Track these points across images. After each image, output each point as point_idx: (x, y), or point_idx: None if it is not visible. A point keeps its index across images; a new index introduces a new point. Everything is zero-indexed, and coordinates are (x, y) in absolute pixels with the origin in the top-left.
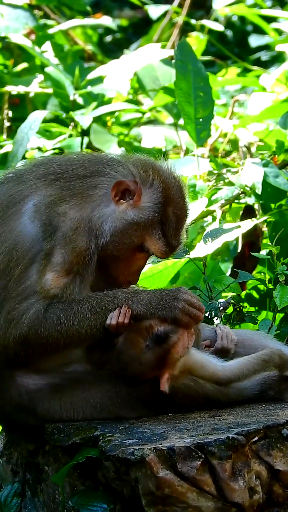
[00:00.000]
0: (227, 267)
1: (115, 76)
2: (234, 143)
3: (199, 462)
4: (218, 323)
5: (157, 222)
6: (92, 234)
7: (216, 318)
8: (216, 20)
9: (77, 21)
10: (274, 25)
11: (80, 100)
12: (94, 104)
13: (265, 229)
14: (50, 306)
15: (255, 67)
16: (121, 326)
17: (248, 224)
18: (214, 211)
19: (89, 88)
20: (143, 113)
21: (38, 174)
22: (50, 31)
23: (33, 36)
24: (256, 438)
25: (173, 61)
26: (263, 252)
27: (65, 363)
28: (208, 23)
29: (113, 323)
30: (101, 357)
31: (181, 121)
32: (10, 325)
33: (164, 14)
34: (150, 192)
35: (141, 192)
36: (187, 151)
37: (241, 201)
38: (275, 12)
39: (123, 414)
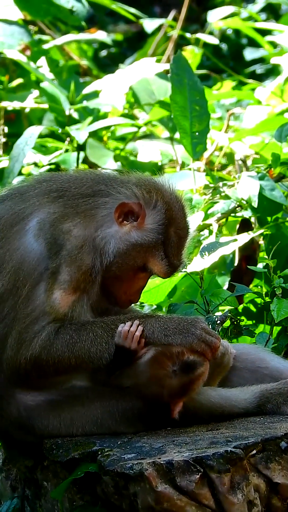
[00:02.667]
0: (224, 281)
1: (110, 90)
2: (230, 156)
3: (198, 476)
4: None
5: (160, 243)
6: (96, 253)
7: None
8: (211, 33)
9: (72, 36)
10: (268, 38)
11: (75, 115)
12: (90, 119)
13: (261, 242)
14: (62, 327)
15: (250, 80)
16: (131, 337)
17: (244, 238)
18: (211, 224)
19: (85, 103)
20: (139, 127)
21: (41, 191)
22: (45, 46)
23: (28, 52)
24: (254, 452)
25: (169, 75)
26: (260, 266)
27: (64, 380)
28: (203, 37)
29: (125, 329)
30: (109, 374)
31: (177, 135)
32: (21, 346)
33: (158, 28)
34: (153, 214)
35: (145, 214)
36: (183, 165)
37: (238, 214)
38: (270, 25)
39: (122, 429)
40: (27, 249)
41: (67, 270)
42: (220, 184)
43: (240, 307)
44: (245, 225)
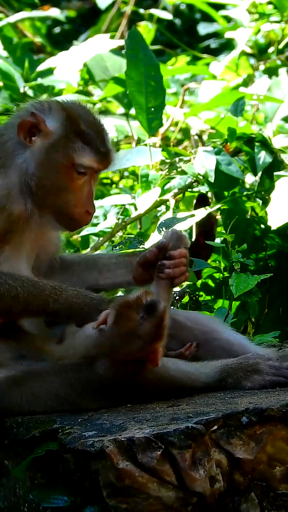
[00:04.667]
0: None
1: (64, 67)
2: (185, 131)
3: (159, 453)
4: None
5: (72, 136)
6: (24, 191)
7: (172, 307)
8: (164, 9)
9: (25, 13)
10: (222, 12)
11: (30, 93)
12: (45, 96)
13: (219, 217)
14: None
15: (204, 55)
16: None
17: (201, 213)
18: (168, 200)
19: (39, 80)
20: (94, 104)
21: None
22: None
23: None
24: (215, 427)
25: (123, 51)
26: (218, 240)
27: (20, 355)
28: (157, 12)
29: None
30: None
31: (132, 111)
32: None
33: (112, 4)
34: (52, 115)
35: (43, 119)
36: (138, 141)
37: (194, 189)
38: None
39: (85, 404)
40: None
41: None
42: (177, 159)
43: (199, 282)
44: (202, 200)
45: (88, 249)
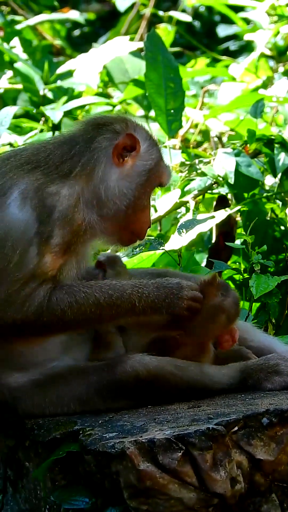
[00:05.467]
0: (202, 258)
1: (84, 69)
2: (205, 133)
3: (180, 454)
4: None
5: (160, 156)
6: (93, 208)
7: None
8: (183, 11)
9: (45, 16)
10: (241, 14)
11: (50, 95)
12: (64, 98)
13: (238, 218)
14: (54, 290)
15: (224, 57)
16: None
17: (221, 214)
18: (188, 202)
19: (59, 83)
20: (114, 106)
21: (13, 166)
22: (18, 26)
23: (1, 33)
24: (236, 428)
25: (142, 53)
26: (238, 242)
27: (47, 359)
28: (176, 14)
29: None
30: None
31: (151, 113)
32: (10, 308)
33: (131, 7)
34: (139, 136)
35: (138, 141)
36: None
37: (214, 191)
38: (243, 1)
39: (108, 406)
40: (12, 220)
41: (60, 233)
42: (196, 161)
43: None
44: (222, 202)
45: (109, 251)
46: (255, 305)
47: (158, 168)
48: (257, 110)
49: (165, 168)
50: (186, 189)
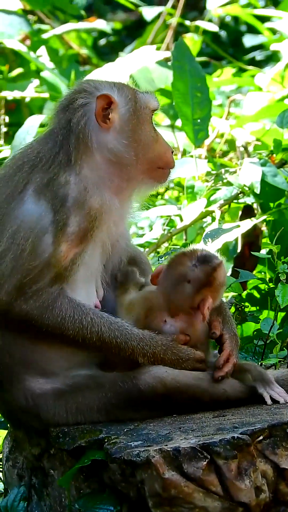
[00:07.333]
0: (227, 267)
1: (110, 79)
2: (231, 143)
3: (205, 463)
4: None
5: (136, 92)
6: (100, 184)
7: None
8: (210, 21)
9: (71, 25)
10: (268, 24)
11: None
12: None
13: (264, 228)
14: (63, 294)
15: (250, 67)
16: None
17: (247, 224)
18: (213, 211)
19: None
20: None
21: (19, 168)
22: (45, 36)
23: (28, 42)
24: (261, 437)
25: (169, 62)
26: (263, 252)
27: (70, 366)
28: (202, 24)
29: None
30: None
31: (178, 122)
32: (20, 297)
33: (158, 16)
34: (107, 89)
35: (110, 95)
36: (184, 152)
37: (240, 201)
38: (269, 11)
39: (129, 416)
40: (27, 212)
41: (76, 220)
42: (222, 170)
43: (244, 293)
44: (247, 212)
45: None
46: (281, 315)
47: (140, 102)
48: (283, 120)
49: (146, 96)
50: (212, 198)
